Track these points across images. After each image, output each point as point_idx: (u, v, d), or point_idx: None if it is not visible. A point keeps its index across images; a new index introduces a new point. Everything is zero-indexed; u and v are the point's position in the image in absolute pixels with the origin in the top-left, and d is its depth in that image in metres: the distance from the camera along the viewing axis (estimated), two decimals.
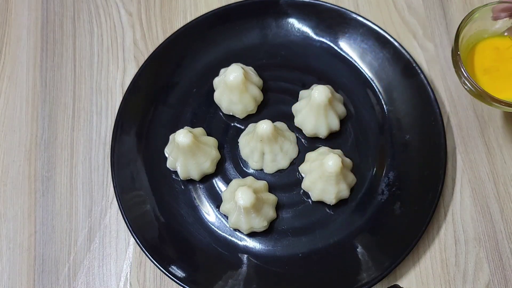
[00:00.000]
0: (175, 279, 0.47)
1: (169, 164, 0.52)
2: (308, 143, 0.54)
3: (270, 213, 0.50)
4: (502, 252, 0.50)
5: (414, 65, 0.54)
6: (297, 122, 0.53)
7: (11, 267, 0.51)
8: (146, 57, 0.56)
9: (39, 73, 0.58)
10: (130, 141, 0.53)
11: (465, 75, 0.44)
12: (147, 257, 0.49)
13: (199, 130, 0.53)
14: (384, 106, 0.55)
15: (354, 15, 0.56)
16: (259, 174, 0.53)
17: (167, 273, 0.47)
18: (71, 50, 0.59)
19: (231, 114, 0.55)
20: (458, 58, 0.44)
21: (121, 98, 0.55)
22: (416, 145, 0.52)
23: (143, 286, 0.50)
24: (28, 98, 0.57)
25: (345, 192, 0.50)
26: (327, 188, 0.49)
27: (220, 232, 0.51)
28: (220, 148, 0.54)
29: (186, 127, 0.53)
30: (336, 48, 0.57)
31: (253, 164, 0.53)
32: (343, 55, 0.57)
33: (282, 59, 0.58)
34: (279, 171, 0.53)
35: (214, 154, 0.52)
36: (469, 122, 0.55)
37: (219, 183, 0.53)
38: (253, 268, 0.49)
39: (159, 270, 0.49)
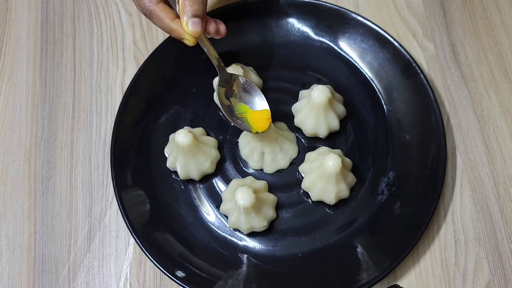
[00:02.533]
0: (175, 279, 0.47)
1: (169, 164, 0.52)
2: (308, 143, 0.54)
3: (270, 213, 0.50)
4: (502, 252, 0.50)
5: (414, 65, 0.54)
6: (297, 122, 0.53)
7: (11, 267, 0.51)
8: (146, 57, 0.56)
9: (39, 73, 0.58)
10: (130, 141, 0.53)
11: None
12: (147, 257, 0.49)
13: (199, 130, 0.53)
14: (384, 106, 0.55)
15: (354, 15, 0.56)
16: (259, 174, 0.53)
17: (167, 273, 0.47)
18: (71, 50, 0.59)
19: None
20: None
21: (121, 98, 0.55)
22: (416, 145, 0.52)
23: (143, 286, 0.50)
24: (28, 98, 0.57)
25: (345, 192, 0.50)
26: (327, 188, 0.49)
27: (220, 232, 0.51)
28: (220, 148, 0.54)
29: (186, 127, 0.53)
30: (336, 48, 0.57)
31: (253, 164, 0.53)
32: (343, 55, 0.57)
33: (282, 59, 0.58)
34: (279, 171, 0.53)
35: (214, 154, 0.52)
36: (469, 122, 0.55)
37: (219, 183, 0.53)
38: (253, 268, 0.49)
39: (159, 270, 0.49)
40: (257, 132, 0.50)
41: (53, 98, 0.57)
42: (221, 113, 0.55)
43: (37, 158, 0.55)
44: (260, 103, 0.51)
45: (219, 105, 0.49)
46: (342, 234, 0.50)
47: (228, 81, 0.51)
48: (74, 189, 0.53)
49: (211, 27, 0.48)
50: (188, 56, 0.56)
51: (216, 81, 0.54)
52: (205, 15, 0.47)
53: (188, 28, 0.46)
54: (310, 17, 0.57)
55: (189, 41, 0.47)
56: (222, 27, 0.50)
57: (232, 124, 0.54)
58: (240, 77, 0.51)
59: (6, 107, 0.57)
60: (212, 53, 0.50)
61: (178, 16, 0.47)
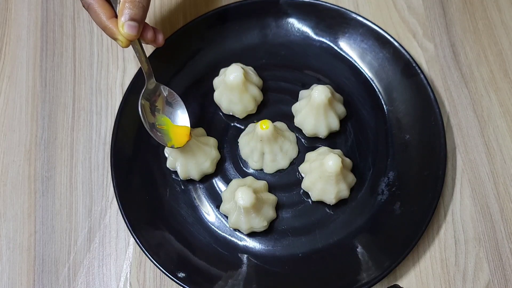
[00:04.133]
0: (175, 279, 0.47)
1: (169, 164, 0.52)
2: (308, 143, 0.54)
3: (270, 213, 0.50)
4: (502, 252, 0.50)
5: (414, 65, 0.54)
6: (297, 122, 0.53)
7: (11, 267, 0.51)
8: None
9: (39, 73, 0.58)
10: (130, 141, 0.53)
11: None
12: (147, 257, 0.49)
13: (199, 130, 0.53)
14: (384, 106, 0.55)
15: (354, 15, 0.56)
16: (259, 174, 0.53)
17: (167, 273, 0.47)
18: (71, 50, 0.59)
19: (231, 114, 0.55)
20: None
21: (121, 98, 0.55)
22: (416, 145, 0.52)
23: (143, 286, 0.50)
24: (28, 98, 0.57)
25: (345, 192, 0.50)
26: (327, 188, 0.49)
27: (220, 232, 0.51)
28: (220, 148, 0.54)
29: None
30: (336, 48, 0.57)
31: (253, 164, 0.53)
32: (343, 55, 0.57)
33: (282, 59, 0.58)
34: (279, 171, 0.53)
35: (214, 154, 0.52)
36: (469, 122, 0.55)
37: (219, 183, 0.53)
38: (253, 268, 0.49)
39: (159, 270, 0.49)
40: (172, 146, 0.49)
41: (53, 98, 0.57)
42: (221, 113, 0.55)
43: (37, 158, 0.55)
44: (182, 118, 0.50)
45: (140, 113, 0.48)
46: (342, 234, 0.50)
47: (154, 92, 0.50)
48: (74, 189, 0.53)
49: (148, 34, 0.48)
50: (188, 56, 0.57)
51: (216, 81, 0.55)
52: (144, 21, 0.47)
53: (123, 30, 0.45)
54: (310, 17, 0.57)
55: (122, 42, 0.46)
56: (160, 37, 0.49)
57: (232, 124, 0.55)
58: (165, 89, 0.51)
59: (6, 107, 0.57)
60: (143, 60, 0.49)
61: (116, 16, 0.46)
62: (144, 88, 0.49)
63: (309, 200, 0.52)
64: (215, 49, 0.57)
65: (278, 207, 0.52)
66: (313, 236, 0.51)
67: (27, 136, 0.56)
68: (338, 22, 0.57)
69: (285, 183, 0.53)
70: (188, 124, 0.50)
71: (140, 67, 0.54)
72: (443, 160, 0.50)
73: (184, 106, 0.51)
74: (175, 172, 0.53)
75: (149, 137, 0.54)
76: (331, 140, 0.54)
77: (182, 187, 0.53)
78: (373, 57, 0.56)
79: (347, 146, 0.54)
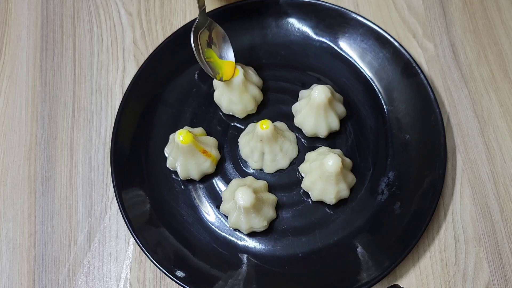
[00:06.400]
0: (175, 279, 0.47)
1: (169, 164, 0.52)
2: (308, 143, 0.54)
3: (270, 213, 0.50)
4: (502, 252, 0.50)
5: (414, 65, 0.54)
6: (297, 122, 0.53)
7: (11, 267, 0.51)
8: (146, 57, 0.57)
9: (39, 73, 0.58)
10: (130, 141, 0.53)
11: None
12: (147, 257, 0.49)
13: (199, 130, 0.53)
14: (384, 106, 0.55)
15: (354, 15, 0.56)
16: (259, 174, 0.53)
17: (167, 273, 0.47)
18: (71, 50, 0.59)
19: (231, 114, 0.55)
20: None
21: (121, 98, 0.55)
22: (416, 145, 0.52)
23: (143, 286, 0.50)
24: (28, 98, 0.57)
25: (345, 192, 0.50)
26: (327, 188, 0.49)
27: (220, 232, 0.51)
28: (220, 148, 0.54)
29: (186, 127, 0.53)
30: (336, 48, 0.57)
31: (253, 164, 0.53)
32: (343, 55, 0.57)
33: (282, 59, 0.58)
34: (279, 171, 0.53)
35: (214, 154, 0.52)
36: (469, 122, 0.55)
37: (219, 183, 0.53)
38: (253, 268, 0.49)
39: (159, 270, 0.49)
40: (221, 79, 0.51)
41: (53, 98, 0.57)
42: (221, 113, 0.55)
43: (37, 158, 0.55)
44: (228, 54, 0.53)
45: (192, 43, 0.50)
46: (342, 234, 0.50)
47: (204, 23, 0.52)
48: (74, 189, 0.53)
49: None
50: (188, 56, 0.56)
51: (215, 81, 0.55)
52: None
53: None
54: (310, 17, 0.57)
55: None
56: None
57: (232, 124, 0.55)
58: (214, 23, 0.53)
59: (6, 107, 0.57)
60: None
61: None
62: (197, 20, 0.51)
63: (309, 200, 0.52)
64: None
65: (278, 207, 0.52)
66: (313, 236, 0.51)
67: (27, 136, 0.56)
68: (338, 22, 0.57)
69: (285, 183, 0.53)
70: (233, 59, 0.52)
71: (143, 64, 0.54)
72: (443, 160, 0.50)
73: (229, 42, 0.53)
74: (175, 172, 0.53)
75: (149, 137, 0.54)
76: (331, 140, 0.54)
77: (182, 187, 0.53)
78: (373, 57, 0.56)
79: (347, 146, 0.54)
